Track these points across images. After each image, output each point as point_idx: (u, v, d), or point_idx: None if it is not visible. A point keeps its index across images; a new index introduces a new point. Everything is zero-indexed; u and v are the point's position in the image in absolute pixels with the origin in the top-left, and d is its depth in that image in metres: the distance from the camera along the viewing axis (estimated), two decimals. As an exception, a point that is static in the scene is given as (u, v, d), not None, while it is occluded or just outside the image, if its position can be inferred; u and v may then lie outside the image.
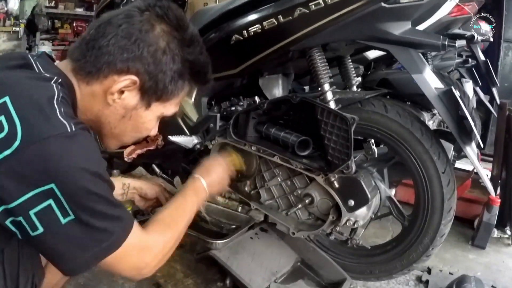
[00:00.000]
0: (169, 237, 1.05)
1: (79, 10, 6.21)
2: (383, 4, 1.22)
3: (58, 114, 0.80)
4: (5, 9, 5.56)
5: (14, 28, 5.33)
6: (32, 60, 0.92)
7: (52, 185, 0.77)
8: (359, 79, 1.69)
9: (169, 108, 1.02)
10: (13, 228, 0.80)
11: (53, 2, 5.92)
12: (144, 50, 0.91)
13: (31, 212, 0.78)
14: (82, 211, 0.81)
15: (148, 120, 1.01)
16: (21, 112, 0.78)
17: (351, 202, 1.29)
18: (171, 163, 1.83)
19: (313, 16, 1.29)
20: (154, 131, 1.07)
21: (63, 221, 0.79)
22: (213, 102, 1.75)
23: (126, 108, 0.97)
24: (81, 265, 0.85)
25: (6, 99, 0.79)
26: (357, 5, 1.23)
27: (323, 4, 1.27)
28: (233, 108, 1.66)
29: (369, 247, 1.56)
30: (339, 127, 1.23)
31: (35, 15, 5.23)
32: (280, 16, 1.34)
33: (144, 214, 1.70)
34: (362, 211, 1.31)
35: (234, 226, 1.57)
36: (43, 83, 0.86)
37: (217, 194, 1.39)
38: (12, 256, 0.90)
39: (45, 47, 5.33)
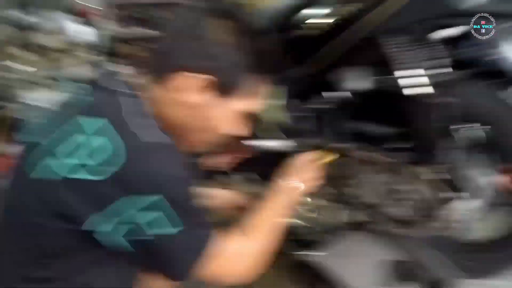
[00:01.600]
0: (265, 240, 1.07)
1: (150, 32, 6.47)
2: None
3: (148, 127, 0.87)
4: (79, 38, 5.86)
5: (88, 56, 5.50)
6: (104, 79, 0.98)
7: (160, 196, 0.81)
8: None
9: (242, 103, 1.00)
10: (125, 243, 0.84)
11: (125, 27, 6.20)
12: (201, 45, 0.92)
13: (142, 221, 0.82)
14: (187, 218, 0.86)
15: (222, 117, 1.00)
16: (119, 131, 0.83)
17: (456, 194, 1.21)
18: (268, 169, 1.84)
19: None
20: (236, 129, 1.05)
21: (174, 231, 0.85)
22: (300, 102, 1.74)
23: (198, 107, 0.96)
24: (189, 270, 0.90)
25: (104, 121, 0.84)
26: None
27: None
28: (321, 107, 1.64)
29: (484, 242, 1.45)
30: (434, 114, 1.17)
31: (109, 41, 5.38)
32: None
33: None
34: (471, 203, 1.23)
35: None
36: (123, 98, 0.91)
37: (311, 191, 1.34)
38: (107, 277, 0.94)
39: (119, 72, 5.57)
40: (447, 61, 1.51)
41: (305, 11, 1.46)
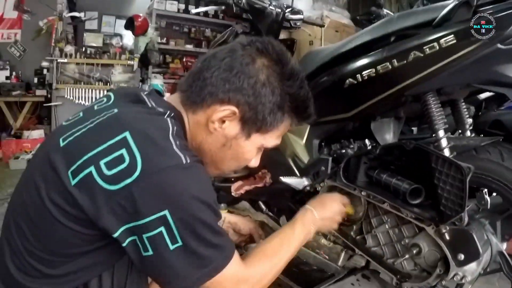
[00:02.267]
0: (268, 269, 1.08)
1: (189, 47, 6.66)
2: (499, 45, 1.16)
3: (174, 146, 0.88)
4: (121, 44, 6.18)
5: (128, 62, 5.67)
6: (144, 96, 1.02)
7: (166, 212, 0.84)
8: (470, 121, 1.60)
9: (269, 140, 1.06)
10: (128, 248, 0.88)
11: (165, 38, 6.43)
12: (244, 82, 0.97)
13: (145, 236, 0.85)
14: (190, 238, 0.86)
15: (248, 151, 1.06)
16: (141, 145, 0.86)
17: (461, 256, 1.20)
18: (278, 201, 1.86)
19: (428, 60, 1.26)
20: (255, 162, 1.12)
21: (171, 247, 0.86)
22: (323, 144, 1.77)
23: (226, 137, 1.02)
24: (183, 285, 0.90)
25: (127, 134, 0.87)
26: (472, 48, 1.18)
27: (437, 48, 1.23)
28: (344, 151, 1.65)
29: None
30: (454, 176, 1.17)
31: (148, 50, 5.54)
32: (395, 60, 1.32)
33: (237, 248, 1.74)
34: (472, 266, 1.22)
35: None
36: (158, 117, 0.95)
37: (326, 231, 1.40)
38: (122, 270, 0.99)
39: (157, 80, 5.71)
40: (470, 123, 1.54)
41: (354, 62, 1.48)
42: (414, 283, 1.34)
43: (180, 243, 0.86)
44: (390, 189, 1.34)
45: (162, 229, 0.84)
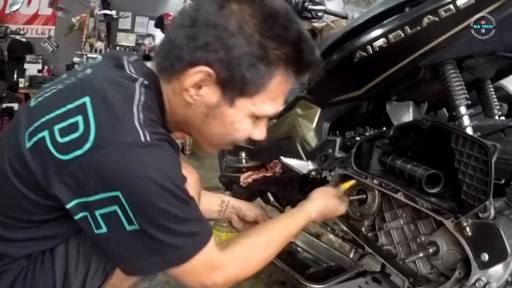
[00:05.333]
0: (250, 259, 0.96)
1: None
2: None
3: (135, 120, 0.77)
4: (153, 44, 6.27)
5: None
6: (125, 62, 0.89)
7: (118, 193, 0.74)
8: (505, 106, 1.40)
9: (260, 105, 0.86)
10: (80, 223, 0.79)
11: None
12: (210, 35, 0.79)
13: (97, 213, 0.77)
14: (148, 224, 0.77)
15: (237, 120, 0.88)
16: (98, 115, 0.76)
17: (485, 256, 0.99)
18: (286, 192, 1.70)
19: (444, 24, 1.09)
20: (258, 133, 0.94)
21: (128, 228, 0.77)
22: (337, 132, 1.60)
23: (207, 106, 0.86)
24: (141, 269, 0.82)
25: (87, 99, 0.78)
26: (494, 7, 1.00)
27: (454, 10, 1.06)
28: (358, 138, 1.48)
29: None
30: (477, 157, 0.97)
31: None
32: (407, 27, 1.15)
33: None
34: (497, 270, 1.01)
35: (331, 265, 1.37)
36: (127, 83, 0.83)
37: (329, 217, 1.27)
38: (76, 241, 0.90)
39: None
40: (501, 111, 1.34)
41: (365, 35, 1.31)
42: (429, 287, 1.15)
43: (136, 226, 0.77)
44: (405, 177, 1.15)
45: (116, 208, 0.75)
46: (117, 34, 6.43)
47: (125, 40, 6.36)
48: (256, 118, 0.90)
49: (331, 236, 1.50)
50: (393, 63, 1.22)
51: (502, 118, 1.36)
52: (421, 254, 1.14)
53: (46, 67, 5.77)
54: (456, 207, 1.03)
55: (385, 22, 1.25)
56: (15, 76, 5.45)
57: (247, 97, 0.84)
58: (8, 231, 0.87)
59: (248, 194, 2.20)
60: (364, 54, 1.27)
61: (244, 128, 0.90)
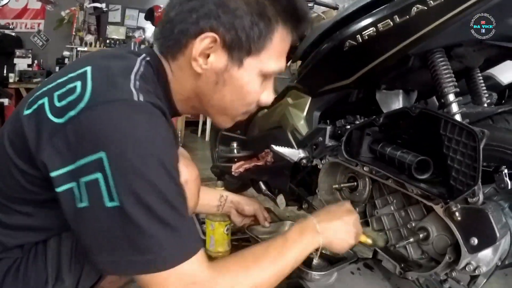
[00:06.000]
0: (240, 281, 0.83)
1: None
2: None
3: (131, 84, 0.77)
4: (143, 37, 6.25)
5: None
6: (133, 44, 0.96)
7: (102, 154, 0.69)
8: (494, 95, 1.42)
9: (267, 62, 0.89)
10: (63, 195, 0.74)
11: None
12: (210, 2, 0.83)
13: (82, 180, 0.71)
14: (130, 199, 0.69)
15: (247, 81, 0.90)
16: (96, 78, 0.77)
17: (474, 240, 1.00)
18: (278, 181, 1.71)
19: (433, 12, 1.10)
20: (266, 96, 0.96)
21: (108, 203, 0.70)
22: (328, 121, 1.61)
23: (217, 73, 0.88)
24: (106, 265, 0.74)
25: (88, 68, 0.80)
26: None
27: None
28: (348, 126, 1.49)
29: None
30: (465, 143, 0.98)
31: None
32: (396, 16, 1.17)
33: (240, 231, 1.61)
34: (487, 254, 1.03)
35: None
36: (129, 55, 0.87)
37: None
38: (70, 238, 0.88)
39: None
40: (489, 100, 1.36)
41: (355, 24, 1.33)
42: (420, 272, 1.16)
43: (116, 202, 0.69)
44: (395, 164, 1.16)
45: (98, 175, 0.70)
46: (107, 27, 6.39)
47: (115, 33, 6.31)
48: (263, 77, 0.92)
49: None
50: (382, 51, 1.24)
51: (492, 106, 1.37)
52: (411, 240, 1.15)
53: (36, 61, 5.69)
54: (446, 192, 1.04)
55: (374, 11, 1.26)
56: (5, 71, 5.40)
57: (254, 56, 0.87)
58: (4, 215, 0.87)
59: (240, 184, 2.22)
60: (354, 43, 1.29)
61: (254, 89, 0.92)
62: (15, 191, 0.84)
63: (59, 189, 0.74)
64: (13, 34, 4.37)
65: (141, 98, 0.75)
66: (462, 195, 1.00)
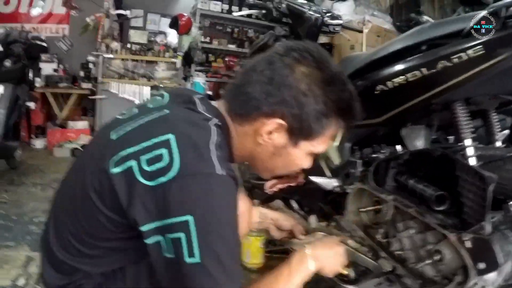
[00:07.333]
0: None
1: (232, 47, 6.70)
2: None
3: (213, 156, 0.89)
4: (165, 41, 6.34)
5: (172, 59, 5.91)
6: (196, 100, 1.05)
7: (189, 218, 0.84)
8: (506, 132, 1.61)
9: (317, 146, 1.08)
10: (151, 246, 0.88)
11: (208, 38, 6.50)
12: (286, 94, 0.98)
13: (169, 236, 0.86)
14: (209, 254, 0.84)
15: (298, 157, 1.09)
16: (182, 149, 0.88)
17: (482, 265, 1.21)
18: (309, 201, 1.91)
19: (456, 69, 1.28)
20: (307, 165, 1.13)
21: (187, 259, 0.84)
22: (355, 148, 1.81)
23: (275, 147, 1.05)
24: None
25: (171, 136, 0.90)
26: (500, 58, 1.19)
27: (465, 58, 1.25)
28: (374, 155, 1.69)
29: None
30: (477, 185, 1.18)
31: (191, 48, 5.69)
32: (424, 68, 1.35)
33: (276, 244, 1.79)
34: (492, 276, 1.23)
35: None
36: (203, 123, 0.97)
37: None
38: (136, 276, 1.03)
39: (199, 78, 5.82)
40: (502, 134, 1.54)
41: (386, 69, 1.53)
42: (434, 288, 1.37)
43: (197, 259, 0.84)
44: (416, 195, 1.37)
45: (181, 235, 0.84)
46: (129, 31, 6.48)
47: (138, 37, 6.41)
48: (311, 155, 1.12)
49: (349, 241, 1.70)
50: (410, 98, 1.43)
51: (505, 141, 1.57)
52: (428, 261, 1.35)
53: (61, 66, 5.83)
54: (458, 224, 1.25)
55: (404, 60, 1.45)
56: (31, 75, 5.48)
57: (309, 140, 1.06)
58: (88, 249, 1.00)
59: (267, 197, 2.41)
60: (385, 88, 1.49)
61: (301, 163, 1.12)
62: (100, 232, 0.97)
63: (148, 241, 0.88)
64: (45, 44, 4.40)
65: (223, 172, 0.88)
66: (471, 228, 1.20)
